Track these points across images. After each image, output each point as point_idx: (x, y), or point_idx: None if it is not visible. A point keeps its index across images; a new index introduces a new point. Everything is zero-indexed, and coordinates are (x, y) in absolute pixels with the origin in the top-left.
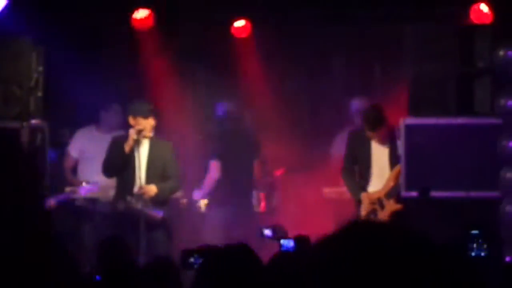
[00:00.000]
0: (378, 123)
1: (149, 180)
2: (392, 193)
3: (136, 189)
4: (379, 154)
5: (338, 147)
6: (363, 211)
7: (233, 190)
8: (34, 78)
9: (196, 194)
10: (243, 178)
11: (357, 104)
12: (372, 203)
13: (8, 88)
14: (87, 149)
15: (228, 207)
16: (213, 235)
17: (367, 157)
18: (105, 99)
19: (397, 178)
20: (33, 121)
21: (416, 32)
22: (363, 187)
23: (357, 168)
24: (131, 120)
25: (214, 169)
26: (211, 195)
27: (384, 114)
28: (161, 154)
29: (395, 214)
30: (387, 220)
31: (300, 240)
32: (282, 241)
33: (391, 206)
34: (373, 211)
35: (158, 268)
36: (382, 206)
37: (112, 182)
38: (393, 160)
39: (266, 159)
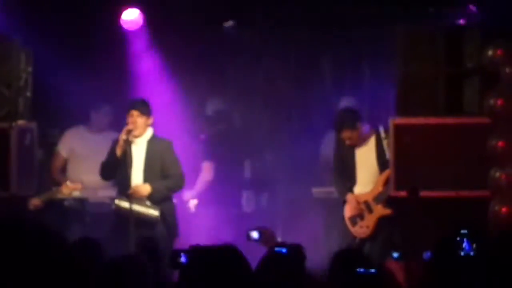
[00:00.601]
0: (342, 126)
1: (147, 180)
2: (381, 198)
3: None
4: (364, 157)
5: (327, 147)
6: (349, 212)
7: (224, 190)
8: (23, 78)
9: (186, 195)
10: (234, 179)
11: (345, 104)
12: (359, 205)
13: None
14: (77, 148)
15: (218, 207)
16: (202, 235)
17: (351, 159)
18: (95, 100)
19: (385, 183)
20: (22, 122)
21: (404, 32)
22: (350, 188)
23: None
24: (127, 117)
25: (208, 171)
26: (202, 196)
27: (353, 118)
28: (159, 153)
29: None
30: (374, 224)
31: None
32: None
33: (380, 211)
34: (360, 214)
35: (119, 266)
36: (371, 210)
37: (102, 182)
38: (381, 163)
39: (254, 158)
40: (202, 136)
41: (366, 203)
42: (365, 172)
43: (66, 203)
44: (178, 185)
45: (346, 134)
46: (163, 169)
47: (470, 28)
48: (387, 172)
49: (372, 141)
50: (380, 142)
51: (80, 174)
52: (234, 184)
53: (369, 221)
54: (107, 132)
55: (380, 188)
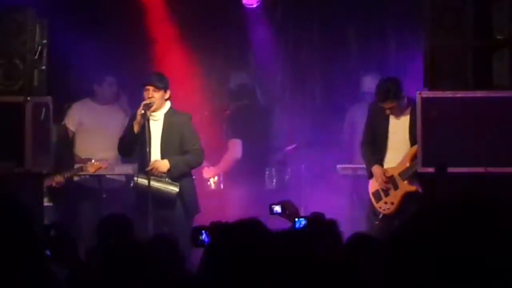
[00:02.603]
0: (387, 95)
1: (164, 155)
2: (407, 174)
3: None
4: (397, 128)
5: (349, 123)
6: (374, 186)
7: (251, 168)
8: (38, 51)
9: (208, 172)
10: (260, 156)
11: (369, 81)
12: (385, 180)
13: (11, 62)
14: (84, 122)
15: (243, 186)
16: (223, 213)
17: (384, 131)
18: (111, 72)
19: (413, 159)
20: (37, 96)
21: (432, 2)
22: (379, 161)
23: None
24: (144, 92)
25: (237, 148)
26: (226, 174)
27: (397, 88)
28: (177, 128)
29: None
30: (399, 201)
31: (314, 220)
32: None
33: (406, 187)
34: (385, 189)
35: (155, 245)
36: (396, 186)
37: (112, 157)
38: (413, 137)
39: (278, 134)
40: (226, 111)
41: (392, 178)
42: (397, 144)
43: (79, 181)
44: (198, 161)
45: (388, 104)
46: (181, 144)
47: None
48: (415, 148)
49: (407, 113)
50: (415, 115)
51: (90, 148)
52: (259, 162)
53: (394, 197)
54: (115, 104)
55: (407, 164)
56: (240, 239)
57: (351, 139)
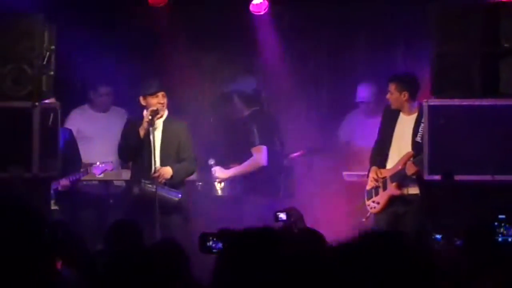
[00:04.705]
0: (397, 78)
1: (163, 162)
2: (397, 177)
3: (152, 172)
4: (402, 131)
5: (345, 131)
6: (369, 185)
7: (269, 176)
8: (46, 56)
9: (221, 172)
10: (278, 163)
11: (363, 90)
12: (378, 179)
13: (19, 67)
14: (83, 129)
15: (264, 196)
16: (242, 222)
17: (389, 133)
18: (118, 78)
19: (406, 163)
20: (45, 101)
21: (438, 9)
22: (382, 163)
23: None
24: (142, 101)
25: (263, 154)
26: (245, 182)
27: (410, 83)
28: (175, 135)
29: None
30: (385, 202)
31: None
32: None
33: (392, 190)
34: (376, 189)
35: (162, 250)
36: (385, 187)
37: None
38: (414, 141)
39: (284, 140)
40: (239, 116)
41: (384, 179)
42: (400, 147)
43: (84, 188)
44: (194, 169)
45: (392, 87)
46: (178, 151)
47: (508, 5)
48: (410, 152)
49: (413, 117)
50: (418, 122)
51: (89, 155)
52: (276, 169)
53: (381, 198)
54: (112, 109)
55: (399, 167)
56: (252, 246)
57: (348, 146)
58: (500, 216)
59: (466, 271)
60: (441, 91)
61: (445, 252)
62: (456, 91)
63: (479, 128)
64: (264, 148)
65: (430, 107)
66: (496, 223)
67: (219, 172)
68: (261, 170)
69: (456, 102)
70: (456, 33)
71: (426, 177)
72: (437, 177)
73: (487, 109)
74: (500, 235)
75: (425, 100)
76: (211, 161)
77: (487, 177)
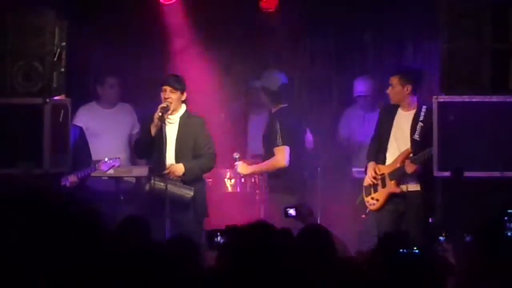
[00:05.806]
0: (400, 71)
1: (179, 159)
2: (396, 174)
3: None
4: (401, 127)
5: (344, 127)
6: (367, 181)
7: (295, 176)
8: (57, 53)
9: (244, 168)
10: (305, 163)
11: (361, 85)
12: (374, 176)
13: (30, 64)
14: (91, 126)
15: (288, 196)
16: (241, 216)
17: (387, 130)
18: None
19: (404, 160)
20: (56, 97)
21: (448, 5)
22: (379, 157)
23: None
24: (161, 93)
25: (286, 155)
26: (269, 180)
27: (413, 77)
28: (192, 131)
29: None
30: (384, 200)
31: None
32: None
33: (391, 187)
34: (375, 185)
35: (175, 247)
36: (384, 185)
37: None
38: (412, 139)
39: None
40: (266, 113)
41: (383, 176)
42: (398, 144)
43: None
44: (210, 166)
45: (394, 80)
46: (195, 147)
47: None
48: (408, 149)
49: (411, 113)
50: (416, 119)
51: (97, 152)
52: (302, 168)
53: (380, 195)
54: (119, 105)
55: (398, 165)
56: (249, 240)
57: (348, 142)
58: (510, 211)
59: (477, 265)
60: (450, 88)
61: (453, 251)
62: (465, 87)
63: (489, 125)
64: (286, 149)
65: (439, 103)
66: (506, 217)
67: (241, 167)
68: (284, 169)
69: (466, 98)
70: (466, 30)
71: (436, 173)
72: (447, 174)
73: (496, 105)
74: (509, 230)
75: (434, 96)
76: (236, 155)
77: (496, 174)
